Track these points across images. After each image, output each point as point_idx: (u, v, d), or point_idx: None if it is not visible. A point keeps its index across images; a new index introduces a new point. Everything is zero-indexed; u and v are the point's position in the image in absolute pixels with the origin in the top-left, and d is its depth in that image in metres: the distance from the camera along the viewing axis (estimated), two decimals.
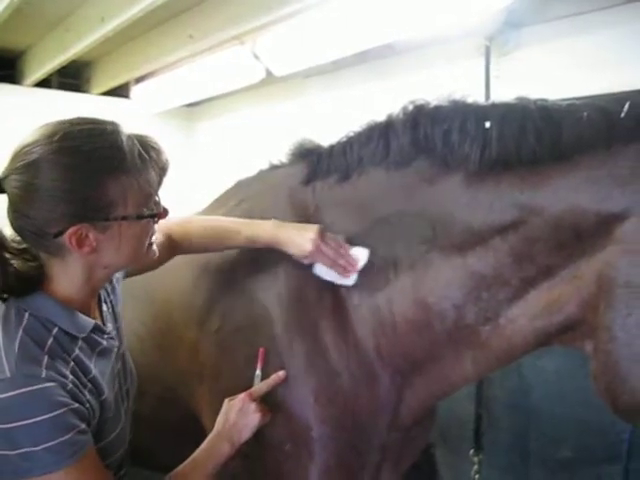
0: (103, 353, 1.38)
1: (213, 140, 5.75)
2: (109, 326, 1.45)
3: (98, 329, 1.36)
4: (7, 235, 1.25)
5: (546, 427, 2.90)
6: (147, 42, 4.47)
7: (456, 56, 3.49)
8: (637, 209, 1.23)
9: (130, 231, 1.25)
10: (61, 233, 1.18)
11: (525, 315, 1.42)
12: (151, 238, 1.34)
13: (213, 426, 1.67)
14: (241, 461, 1.60)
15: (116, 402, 1.41)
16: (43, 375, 1.16)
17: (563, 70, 3.02)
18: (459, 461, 3.17)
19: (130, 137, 1.23)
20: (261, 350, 1.65)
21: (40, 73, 4.87)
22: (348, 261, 1.60)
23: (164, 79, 4.90)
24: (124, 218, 1.22)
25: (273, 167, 1.98)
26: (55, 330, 1.24)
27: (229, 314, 1.77)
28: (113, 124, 1.23)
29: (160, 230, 1.53)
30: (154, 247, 1.37)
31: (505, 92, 3.00)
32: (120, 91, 5.47)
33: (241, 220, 1.72)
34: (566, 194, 1.31)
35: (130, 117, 5.61)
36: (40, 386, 1.14)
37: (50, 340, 1.23)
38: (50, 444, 1.14)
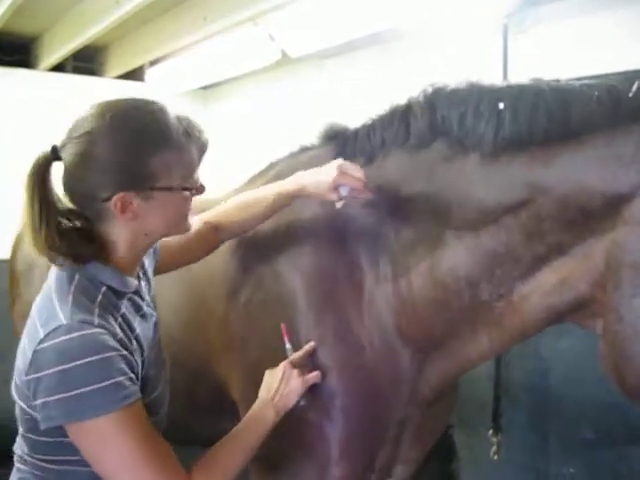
0: (144, 317, 1.48)
1: (228, 122, 5.74)
2: (147, 298, 1.54)
3: (140, 294, 1.48)
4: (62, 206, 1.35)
5: (565, 408, 2.89)
6: (161, 25, 4.46)
7: (474, 35, 3.45)
8: None
9: (170, 201, 1.36)
10: (109, 198, 1.29)
11: (537, 292, 1.46)
12: (187, 211, 1.44)
13: (241, 398, 1.82)
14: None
15: (156, 364, 1.50)
16: (95, 322, 1.26)
17: (581, 48, 2.98)
18: (478, 442, 3.18)
19: (176, 117, 1.35)
20: (283, 325, 1.71)
21: (55, 57, 4.88)
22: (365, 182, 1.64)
23: (179, 62, 4.90)
24: (166, 189, 1.33)
25: (304, 149, 2.02)
26: (103, 288, 1.35)
27: (258, 288, 1.86)
28: (161, 105, 1.36)
29: (196, 223, 1.71)
30: (189, 221, 1.47)
31: (523, 70, 2.97)
32: (135, 74, 5.48)
33: (265, 186, 1.79)
34: (572, 173, 1.34)
35: None
36: (93, 330, 1.24)
37: (99, 297, 1.33)
38: (101, 385, 1.21)
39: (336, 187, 1.63)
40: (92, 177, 1.29)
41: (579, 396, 2.83)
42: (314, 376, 1.65)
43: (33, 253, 1.33)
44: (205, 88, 5.85)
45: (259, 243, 1.93)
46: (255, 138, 5.15)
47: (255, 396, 1.63)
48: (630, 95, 1.28)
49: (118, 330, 1.31)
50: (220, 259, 1.97)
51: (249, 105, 5.45)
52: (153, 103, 1.35)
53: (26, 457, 1.38)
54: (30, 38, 5.18)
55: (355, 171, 1.62)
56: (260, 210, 1.78)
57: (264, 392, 1.61)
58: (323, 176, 1.64)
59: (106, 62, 5.51)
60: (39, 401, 1.24)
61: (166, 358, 1.66)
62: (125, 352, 1.28)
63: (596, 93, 1.32)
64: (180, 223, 1.45)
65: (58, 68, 5.24)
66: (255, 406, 1.60)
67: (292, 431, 1.73)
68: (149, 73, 5.34)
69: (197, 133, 1.39)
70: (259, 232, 1.94)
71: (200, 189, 1.44)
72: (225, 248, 1.97)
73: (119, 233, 1.37)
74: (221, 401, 1.83)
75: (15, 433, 1.44)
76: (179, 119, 1.36)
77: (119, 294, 1.39)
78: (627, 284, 1.25)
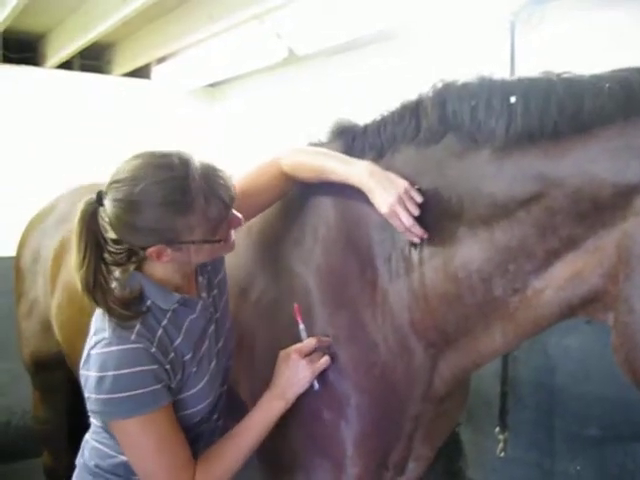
0: (192, 321, 1.63)
1: (235, 120, 5.75)
2: (203, 295, 1.69)
3: (186, 303, 1.61)
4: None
5: (572, 405, 2.89)
6: (168, 22, 4.47)
7: (481, 32, 3.45)
8: None
9: (199, 249, 1.52)
10: (145, 248, 1.47)
11: (551, 287, 1.44)
12: (226, 241, 1.57)
13: (249, 397, 1.84)
14: (280, 429, 1.66)
15: (200, 361, 1.63)
16: (132, 338, 1.46)
17: (588, 45, 2.97)
18: (484, 439, 3.18)
19: (198, 180, 1.44)
20: (296, 306, 1.72)
21: (62, 55, 4.89)
22: (417, 232, 1.59)
23: (185, 59, 4.91)
24: (192, 242, 1.49)
25: (312, 145, 1.99)
26: (148, 302, 1.54)
27: (268, 286, 1.88)
28: (186, 165, 1.45)
29: (275, 164, 1.84)
30: (230, 242, 1.60)
31: (530, 67, 2.96)
32: (141, 72, 5.50)
33: (340, 158, 1.75)
34: (584, 166, 1.32)
35: (151, 98, 5.67)
36: (128, 346, 1.45)
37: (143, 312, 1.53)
38: (128, 394, 1.42)
39: (391, 215, 1.58)
40: (128, 235, 1.46)
41: (585, 393, 2.83)
42: (323, 362, 1.67)
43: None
44: (212, 86, 5.86)
45: (270, 241, 1.94)
46: (262, 136, 5.16)
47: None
48: None
49: (155, 342, 1.49)
50: (229, 258, 1.97)
51: (256, 103, 5.45)
52: (179, 167, 1.44)
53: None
54: (37, 36, 5.19)
55: (413, 211, 1.57)
56: (325, 178, 1.77)
57: (275, 378, 1.67)
58: (380, 199, 1.60)
59: (113, 60, 5.52)
60: (86, 394, 1.49)
61: (223, 348, 1.74)
62: (155, 366, 1.46)
63: (607, 85, 1.30)
64: (218, 253, 1.65)
65: (65, 66, 5.25)
66: (264, 397, 1.65)
67: (306, 429, 1.75)
68: (156, 71, 5.35)
69: (222, 191, 1.48)
70: (269, 229, 1.94)
71: (236, 223, 1.57)
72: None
73: (163, 266, 1.56)
74: (228, 399, 1.83)
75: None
76: (203, 180, 1.45)
77: (163, 309, 1.56)
78: (638, 275, 1.25)
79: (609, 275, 1.33)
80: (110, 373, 1.42)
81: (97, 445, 1.64)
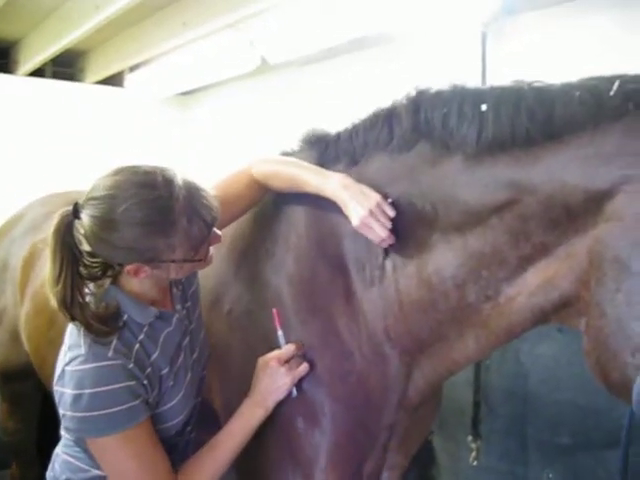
0: (168, 334, 1.61)
1: (208, 129, 5.74)
2: (178, 307, 1.67)
3: (162, 317, 1.59)
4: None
5: (544, 413, 2.91)
6: (141, 30, 4.45)
7: (453, 42, 3.48)
8: (624, 186, 1.24)
9: (179, 267, 1.50)
10: (123, 265, 1.45)
11: (523, 293, 1.45)
12: (204, 258, 1.54)
13: (222, 407, 1.84)
14: (254, 439, 1.65)
15: (177, 374, 1.61)
16: (109, 355, 1.42)
17: (560, 56, 3.01)
18: (457, 448, 3.19)
19: (182, 200, 1.40)
20: (274, 311, 1.70)
21: (34, 62, 4.86)
22: (389, 244, 1.60)
23: (158, 67, 4.89)
24: (172, 261, 1.46)
25: (284, 154, 1.99)
26: (125, 317, 1.50)
27: (240, 297, 1.86)
28: (170, 185, 1.40)
29: (248, 173, 1.81)
30: (208, 258, 1.57)
31: (501, 78, 2.99)
32: (114, 80, 5.46)
33: (314, 170, 1.73)
34: (556, 173, 1.33)
35: (124, 106, 5.64)
36: (105, 363, 1.41)
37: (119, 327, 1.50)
38: (105, 411, 1.39)
39: (363, 228, 1.58)
40: (106, 251, 1.42)
41: (557, 401, 2.85)
42: (302, 369, 1.66)
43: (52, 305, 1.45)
44: (185, 94, 5.84)
45: (242, 251, 1.92)
46: (235, 144, 5.15)
47: (238, 405, 1.65)
48: (611, 94, 1.28)
49: (132, 358, 1.46)
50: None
51: (229, 111, 5.44)
52: (162, 186, 1.39)
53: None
54: (9, 43, 5.14)
55: (384, 224, 1.57)
56: (298, 189, 1.75)
57: (254, 386, 1.66)
58: (352, 212, 1.59)
59: (85, 67, 5.48)
60: (60, 410, 1.46)
61: (198, 359, 1.72)
62: (132, 382, 1.43)
63: (578, 93, 1.32)
64: (196, 269, 1.66)
65: (37, 73, 5.21)
66: (243, 404, 1.64)
67: (279, 439, 1.73)
68: (129, 79, 5.33)
69: (205, 211, 1.44)
70: (242, 239, 1.93)
71: (216, 240, 1.55)
72: None
73: (139, 281, 1.52)
74: (203, 412, 1.81)
75: None
76: (186, 201, 1.41)
77: (139, 323, 1.53)
78: (609, 279, 1.26)
79: (581, 281, 1.34)
80: (87, 391, 1.38)
81: (68, 459, 1.59)
